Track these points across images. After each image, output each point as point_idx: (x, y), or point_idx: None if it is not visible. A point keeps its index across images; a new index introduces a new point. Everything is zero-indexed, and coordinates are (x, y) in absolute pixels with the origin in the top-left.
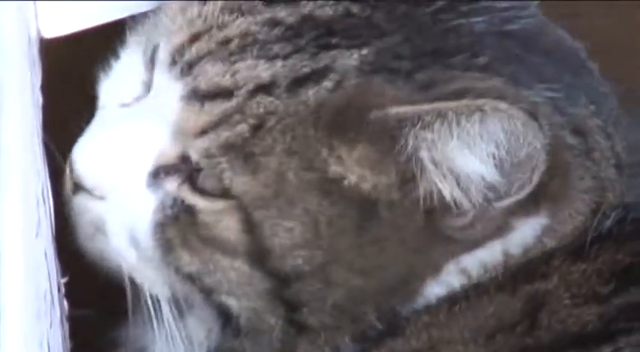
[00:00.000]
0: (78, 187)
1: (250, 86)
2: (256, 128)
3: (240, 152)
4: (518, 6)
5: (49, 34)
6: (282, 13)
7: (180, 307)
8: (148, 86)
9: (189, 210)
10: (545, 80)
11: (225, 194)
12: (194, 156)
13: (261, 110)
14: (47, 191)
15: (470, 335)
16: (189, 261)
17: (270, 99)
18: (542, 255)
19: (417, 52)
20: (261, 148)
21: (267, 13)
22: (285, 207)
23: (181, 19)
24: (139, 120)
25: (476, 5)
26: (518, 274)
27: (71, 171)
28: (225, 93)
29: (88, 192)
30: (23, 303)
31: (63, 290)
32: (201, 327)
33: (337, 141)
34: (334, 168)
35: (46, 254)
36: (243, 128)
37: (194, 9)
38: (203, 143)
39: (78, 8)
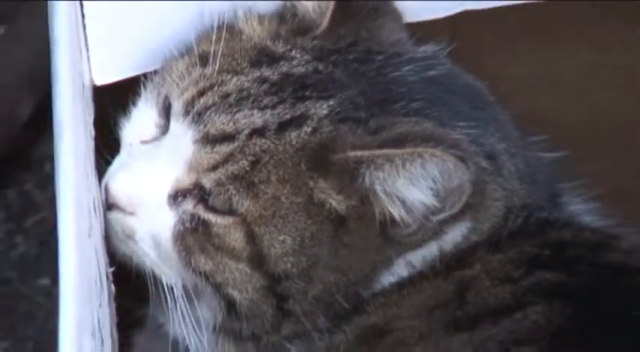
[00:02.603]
0: (112, 205)
1: (247, 131)
2: (254, 163)
3: (244, 181)
4: (431, 56)
5: (100, 81)
6: (267, 72)
7: (190, 295)
8: (162, 129)
9: (205, 224)
10: (464, 118)
11: (232, 212)
12: (207, 184)
13: (257, 149)
14: (98, 201)
15: (415, 311)
16: (204, 263)
17: (264, 140)
18: (468, 248)
19: (369, 102)
20: (259, 178)
21: (256, 73)
22: (280, 225)
23: (188, 78)
24: (160, 157)
25: (403, 58)
26: (451, 263)
27: (106, 192)
28: (229, 138)
29: (121, 209)
30: (78, 288)
31: (111, 277)
32: (208, 311)
33: (316, 174)
34: (318, 195)
35: (96, 250)
36: (244, 163)
37: (197, 70)
38: (215, 175)
39: (127, 58)
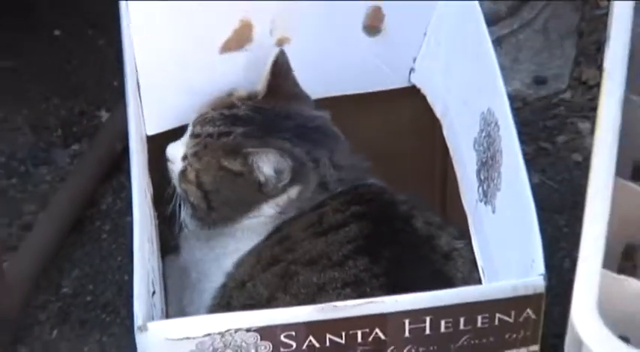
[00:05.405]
0: (168, 159)
1: (204, 134)
2: (204, 146)
3: (198, 154)
4: (298, 110)
5: (151, 131)
6: (225, 112)
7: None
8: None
9: (186, 169)
10: (305, 141)
11: (191, 165)
12: (187, 154)
13: (205, 142)
14: (148, 182)
15: (301, 227)
16: (183, 186)
17: (210, 139)
18: (323, 200)
19: (261, 130)
20: (204, 154)
21: (223, 112)
22: (208, 172)
23: (191, 129)
24: (182, 146)
25: (282, 110)
26: (315, 207)
27: (165, 156)
28: (197, 136)
29: (170, 161)
30: (141, 214)
31: (155, 212)
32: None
33: (226, 155)
34: (230, 166)
35: (149, 207)
36: (200, 146)
37: (195, 128)
38: (190, 150)
39: (175, 110)
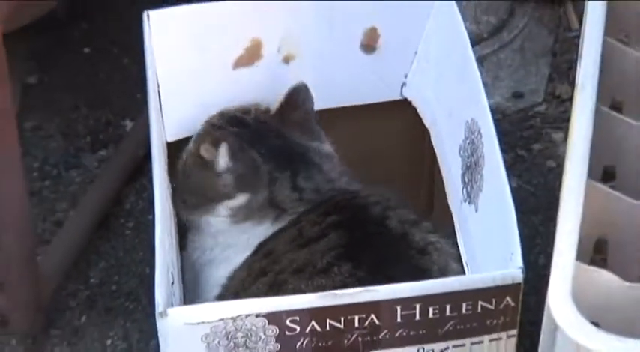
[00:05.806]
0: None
1: (210, 122)
2: (205, 132)
3: (195, 138)
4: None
5: (171, 138)
6: (237, 114)
7: None
8: None
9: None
10: (283, 161)
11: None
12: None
13: (211, 126)
14: (167, 182)
15: (284, 241)
16: (179, 167)
17: (211, 127)
18: (298, 216)
19: (250, 136)
20: (197, 138)
21: (237, 113)
22: (192, 160)
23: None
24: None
25: (277, 130)
26: (295, 221)
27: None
28: (204, 123)
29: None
30: (162, 209)
31: (173, 210)
32: None
33: (208, 145)
34: (204, 153)
35: (165, 193)
36: (204, 130)
37: (210, 117)
38: (197, 133)
39: (192, 119)
